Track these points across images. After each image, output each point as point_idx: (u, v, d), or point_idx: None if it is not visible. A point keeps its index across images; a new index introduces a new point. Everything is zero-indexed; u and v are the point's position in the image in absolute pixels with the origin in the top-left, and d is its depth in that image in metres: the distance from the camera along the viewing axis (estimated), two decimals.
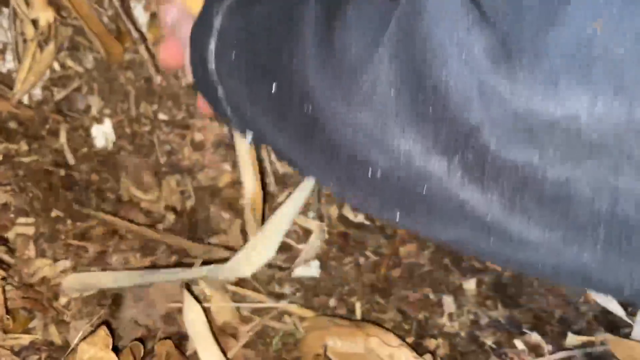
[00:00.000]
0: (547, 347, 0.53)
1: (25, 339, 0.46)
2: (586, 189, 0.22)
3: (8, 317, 0.41)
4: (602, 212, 0.22)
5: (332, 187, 0.32)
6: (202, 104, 0.40)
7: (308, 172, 0.33)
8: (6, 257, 0.39)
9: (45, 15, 0.52)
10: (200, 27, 0.38)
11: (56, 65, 0.58)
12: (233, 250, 0.57)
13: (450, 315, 0.58)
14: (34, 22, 0.52)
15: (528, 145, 0.22)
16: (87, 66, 0.59)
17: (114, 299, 0.52)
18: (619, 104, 0.20)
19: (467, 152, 0.23)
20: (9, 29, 0.54)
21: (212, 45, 0.36)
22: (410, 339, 0.55)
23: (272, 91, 0.32)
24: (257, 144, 0.35)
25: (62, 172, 0.56)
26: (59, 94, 0.58)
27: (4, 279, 0.41)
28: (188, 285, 0.50)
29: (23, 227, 0.51)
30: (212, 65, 0.37)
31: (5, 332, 0.44)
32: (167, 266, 0.54)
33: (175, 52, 0.44)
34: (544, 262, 0.25)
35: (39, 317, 0.48)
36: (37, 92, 0.57)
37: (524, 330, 0.55)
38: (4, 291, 0.40)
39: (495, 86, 0.21)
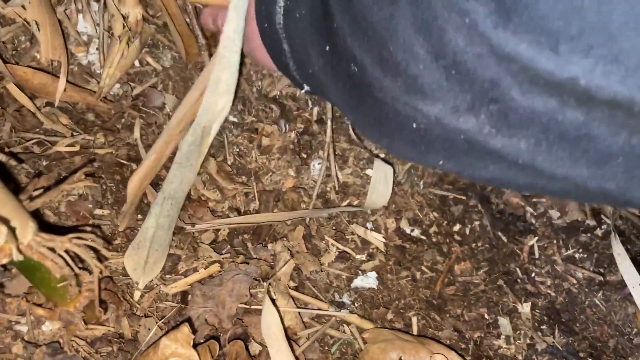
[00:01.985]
0: None
1: (99, 330, 0.47)
2: (603, 126, 0.24)
3: (100, 309, 0.42)
4: (619, 145, 0.24)
5: (379, 139, 0.33)
6: (259, 52, 0.41)
7: (360, 127, 0.35)
8: (104, 251, 0.40)
9: (135, 12, 0.53)
10: None
11: (135, 62, 0.58)
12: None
13: (507, 338, 0.58)
14: (124, 18, 0.53)
15: (545, 93, 0.24)
16: (165, 64, 0.59)
17: (182, 297, 0.52)
18: (615, 73, 0.21)
19: (491, 106, 0.25)
20: (97, 24, 0.55)
21: (282, 2, 0.38)
22: (467, 359, 0.56)
23: (326, 49, 0.33)
24: (313, 94, 0.37)
25: (134, 166, 0.57)
26: (136, 90, 0.59)
27: (101, 272, 0.41)
28: (269, 288, 0.51)
29: (98, 220, 0.52)
30: (279, 20, 0.38)
31: (86, 322, 0.44)
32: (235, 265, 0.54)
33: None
34: (575, 192, 0.28)
35: (111, 309, 0.48)
36: (116, 86, 0.58)
37: (582, 358, 0.55)
38: (99, 284, 0.41)
39: (504, 46, 0.23)
